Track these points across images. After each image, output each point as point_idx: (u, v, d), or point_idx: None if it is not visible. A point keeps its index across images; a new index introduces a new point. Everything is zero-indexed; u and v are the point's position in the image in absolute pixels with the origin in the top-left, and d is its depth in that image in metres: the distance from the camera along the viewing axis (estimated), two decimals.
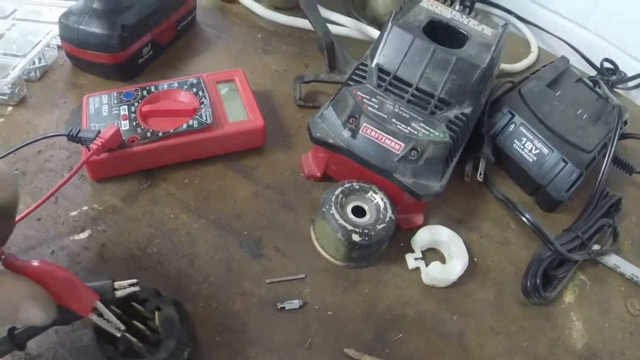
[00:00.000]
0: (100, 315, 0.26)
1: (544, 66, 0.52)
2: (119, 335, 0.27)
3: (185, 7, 0.55)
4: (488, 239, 0.45)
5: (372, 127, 0.39)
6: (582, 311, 0.44)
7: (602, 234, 0.47)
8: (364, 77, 0.43)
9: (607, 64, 0.62)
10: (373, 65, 0.43)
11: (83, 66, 0.51)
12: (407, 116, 0.40)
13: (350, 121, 0.40)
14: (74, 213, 0.40)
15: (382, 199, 0.40)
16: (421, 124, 0.40)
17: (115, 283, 0.28)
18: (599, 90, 0.51)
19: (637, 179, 0.55)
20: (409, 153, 0.39)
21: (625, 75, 0.61)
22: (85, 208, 0.41)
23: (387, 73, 0.42)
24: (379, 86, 0.42)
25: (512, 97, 0.48)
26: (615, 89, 0.62)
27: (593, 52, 0.64)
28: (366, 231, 0.38)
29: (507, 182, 0.50)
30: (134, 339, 0.28)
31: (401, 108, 0.41)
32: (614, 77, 0.60)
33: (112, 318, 0.27)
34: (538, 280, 0.41)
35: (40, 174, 0.43)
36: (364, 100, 0.41)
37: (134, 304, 0.30)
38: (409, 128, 0.40)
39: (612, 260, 0.47)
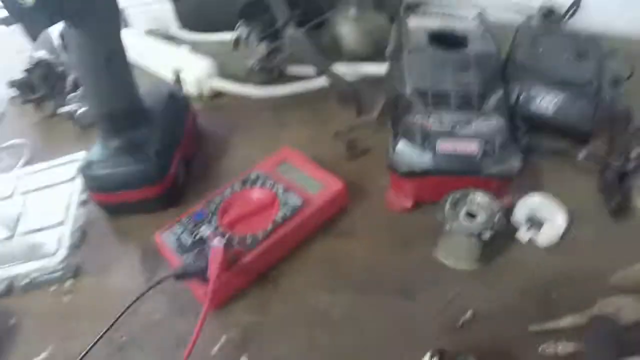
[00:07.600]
0: None
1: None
2: None
3: (190, 113, 0.54)
4: None
5: (446, 141, 0.43)
6: None
7: None
8: (408, 107, 0.46)
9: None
10: (409, 91, 0.46)
11: (121, 210, 0.49)
12: (464, 119, 0.45)
13: (425, 144, 0.43)
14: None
15: (481, 196, 0.43)
16: (479, 120, 0.44)
17: None
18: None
19: None
20: (484, 147, 0.43)
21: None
22: (223, 339, 0.39)
23: (425, 92, 0.46)
24: (426, 105, 0.46)
25: (510, 70, 0.54)
26: None
27: None
28: (490, 225, 0.41)
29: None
30: None
31: (455, 115, 0.45)
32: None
33: None
34: None
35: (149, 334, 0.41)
36: (424, 122, 0.44)
37: None
38: (472, 127, 0.44)
39: None
